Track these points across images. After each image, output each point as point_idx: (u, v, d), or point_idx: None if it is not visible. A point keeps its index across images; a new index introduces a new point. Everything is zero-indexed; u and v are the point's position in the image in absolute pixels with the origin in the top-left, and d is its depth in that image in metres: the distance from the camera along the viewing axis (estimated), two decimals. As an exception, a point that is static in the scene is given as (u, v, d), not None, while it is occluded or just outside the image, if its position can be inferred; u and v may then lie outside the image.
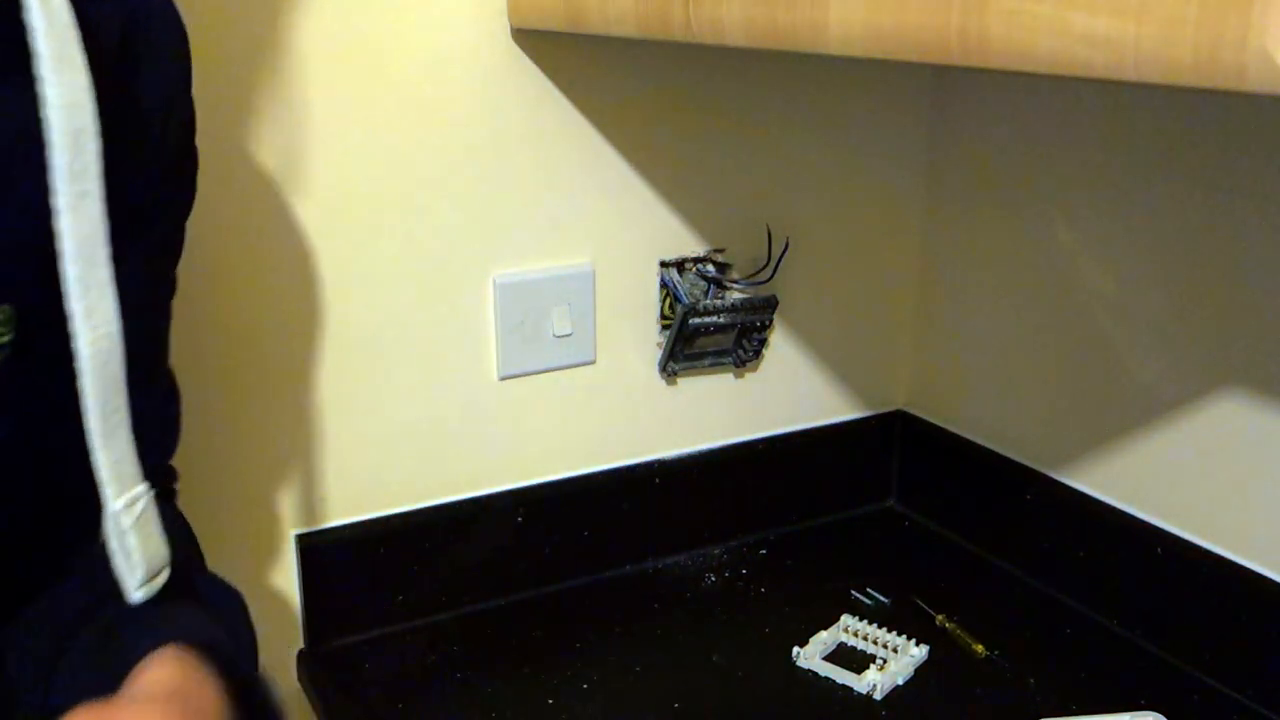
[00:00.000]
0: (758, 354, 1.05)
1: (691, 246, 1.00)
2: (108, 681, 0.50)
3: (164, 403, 0.64)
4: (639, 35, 0.68)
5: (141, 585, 0.54)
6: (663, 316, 1.00)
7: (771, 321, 1.03)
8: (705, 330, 0.99)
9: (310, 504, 0.90)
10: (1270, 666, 0.83)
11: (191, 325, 0.80)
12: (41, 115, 0.48)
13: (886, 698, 0.85)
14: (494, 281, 0.92)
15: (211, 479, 0.85)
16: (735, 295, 1.01)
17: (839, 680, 0.87)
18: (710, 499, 1.07)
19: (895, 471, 1.17)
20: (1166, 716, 0.81)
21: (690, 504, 1.06)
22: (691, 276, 1.01)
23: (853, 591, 1.00)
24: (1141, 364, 0.91)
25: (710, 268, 1.01)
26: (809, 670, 0.88)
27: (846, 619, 0.93)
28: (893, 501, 1.17)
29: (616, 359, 0.99)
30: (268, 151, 0.81)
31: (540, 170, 0.91)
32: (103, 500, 0.52)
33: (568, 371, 0.97)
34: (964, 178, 1.05)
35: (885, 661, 0.88)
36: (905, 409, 1.16)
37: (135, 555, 0.53)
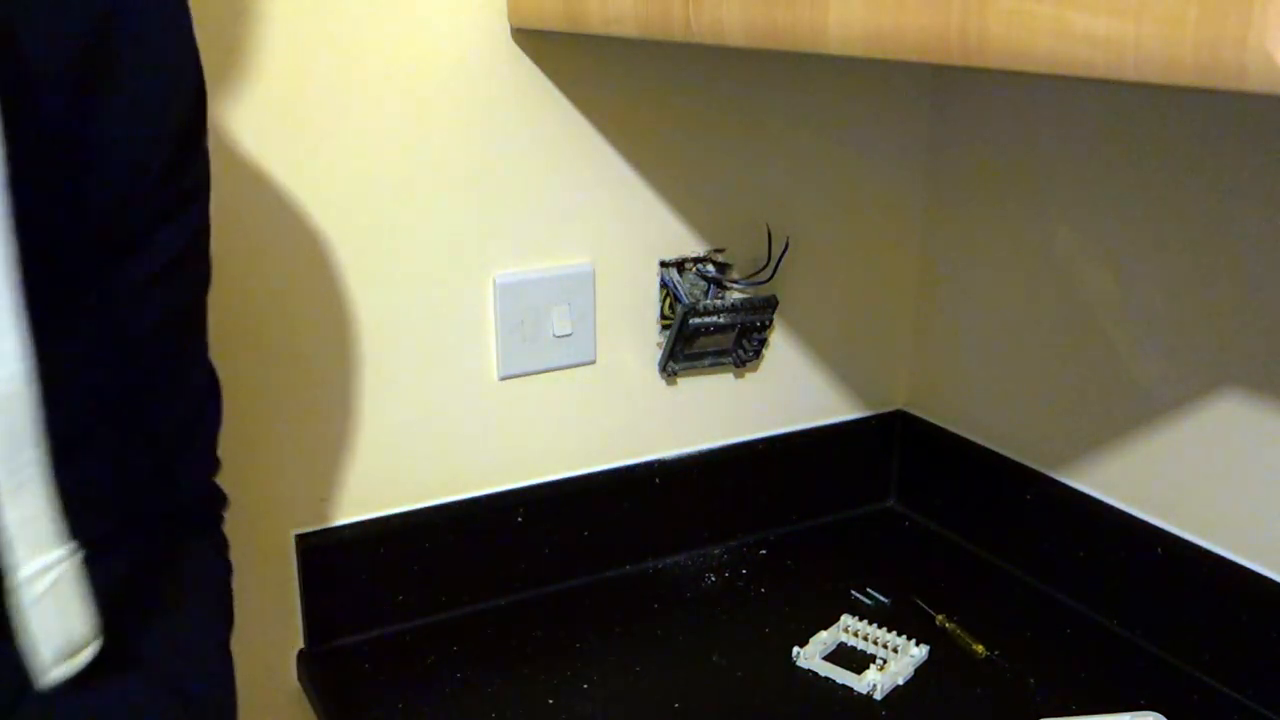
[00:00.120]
0: (758, 354, 1.05)
1: (691, 246, 1.00)
2: None
3: (196, 405, 0.58)
4: (639, 35, 0.68)
5: (53, 666, 0.48)
6: (663, 316, 1.00)
7: (771, 321, 1.03)
8: (705, 330, 0.99)
9: (310, 504, 0.90)
10: (1270, 666, 0.83)
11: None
12: None
13: (886, 698, 0.85)
14: (494, 281, 0.92)
15: (211, 479, 0.85)
16: (735, 295, 1.01)
17: (839, 680, 0.87)
18: (710, 499, 1.07)
19: (895, 471, 1.17)
20: (1166, 716, 0.81)
21: (690, 504, 1.06)
22: (691, 276, 1.01)
23: (853, 591, 1.00)
24: (1141, 364, 0.91)
25: (710, 268, 1.01)
26: (809, 670, 0.88)
27: (846, 619, 0.93)
28: (893, 501, 1.17)
29: (616, 359, 0.99)
30: (267, 152, 0.81)
31: (540, 170, 0.91)
32: (3, 567, 0.46)
33: (568, 371, 0.97)
34: (964, 178, 1.05)
35: (885, 661, 0.88)
36: (905, 409, 1.16)
37: (46, 629, 0.47)
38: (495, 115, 0.88)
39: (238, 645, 0.89)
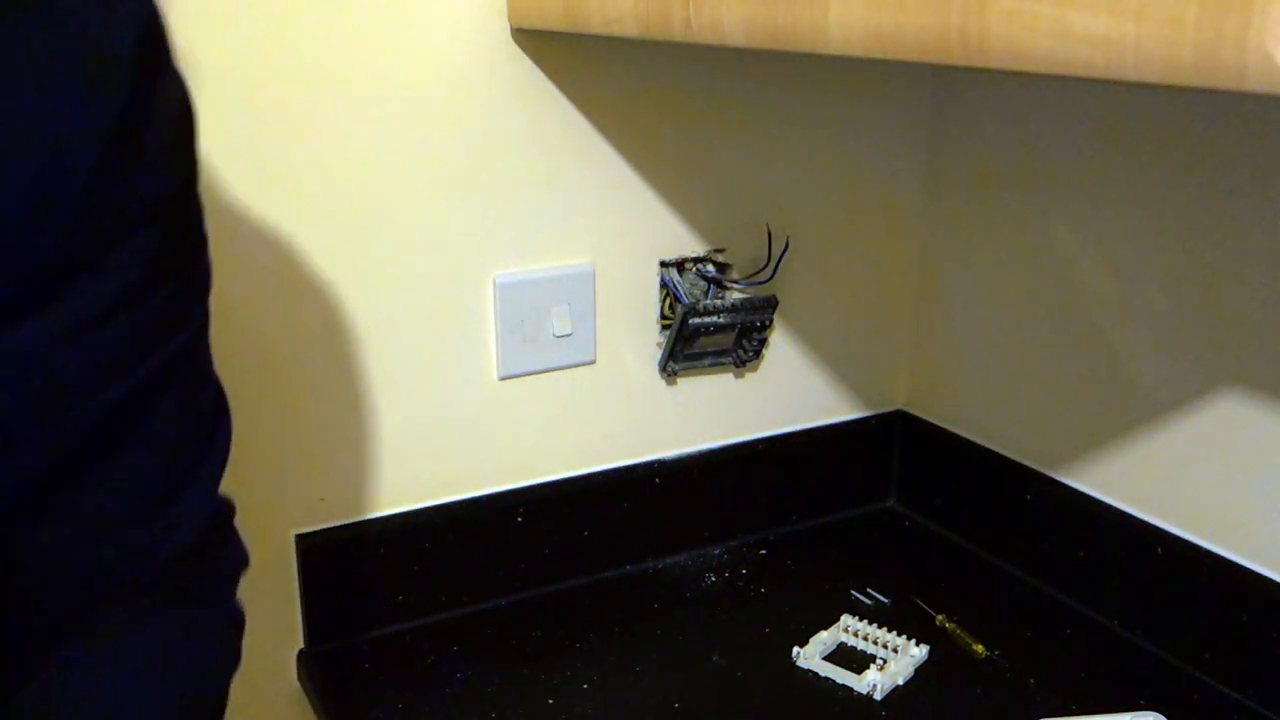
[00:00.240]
0: (758, 354, 1.05)
1: (691, 246, 1.00)
2: None
3: (196, 424, 0.52)
4: (639, 35, 0.68)
5: None
6: (663, 316, 1.00)
7: (771, 321, 1.03)
8: (705, 330, 0.99)
9: (310, 504, 0.90)
10: (1270, 666, 0.83)
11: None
12: None
13: (886, 698, 0.85)
14: (494, 281, 0.92)
15: (211, 479, 0.85)
16: (735, 295, 1.02)
17: (839, 680, 0.87)
18: (710, 499, 1.07)
19: (895, 471, 1.17)
20: (1166, 716, 0.81)
21: (690, 504, 1.06)
22: (691, 276, 1.01)
23: (853, 591, 1.00)
24: (1141, 364, 0.91)
25: (710, 268, 1.01)
26: (809, 670, 0.88)
27: (846, 619, 0.93)
28: (893, 501, 1.17)
29: (616, 359, 0.99)
30: (267, 151, 0.81)
31: (540, 170, 0.91)
32: None
33: (568, 371, 0.97)
34: (964, 178, 1.05)
35: (885, 661, 0.88)
36: (905, 409, 1.16)
37: None
38: (495, 115, 0.88)
39: (238, 645, 0.90)
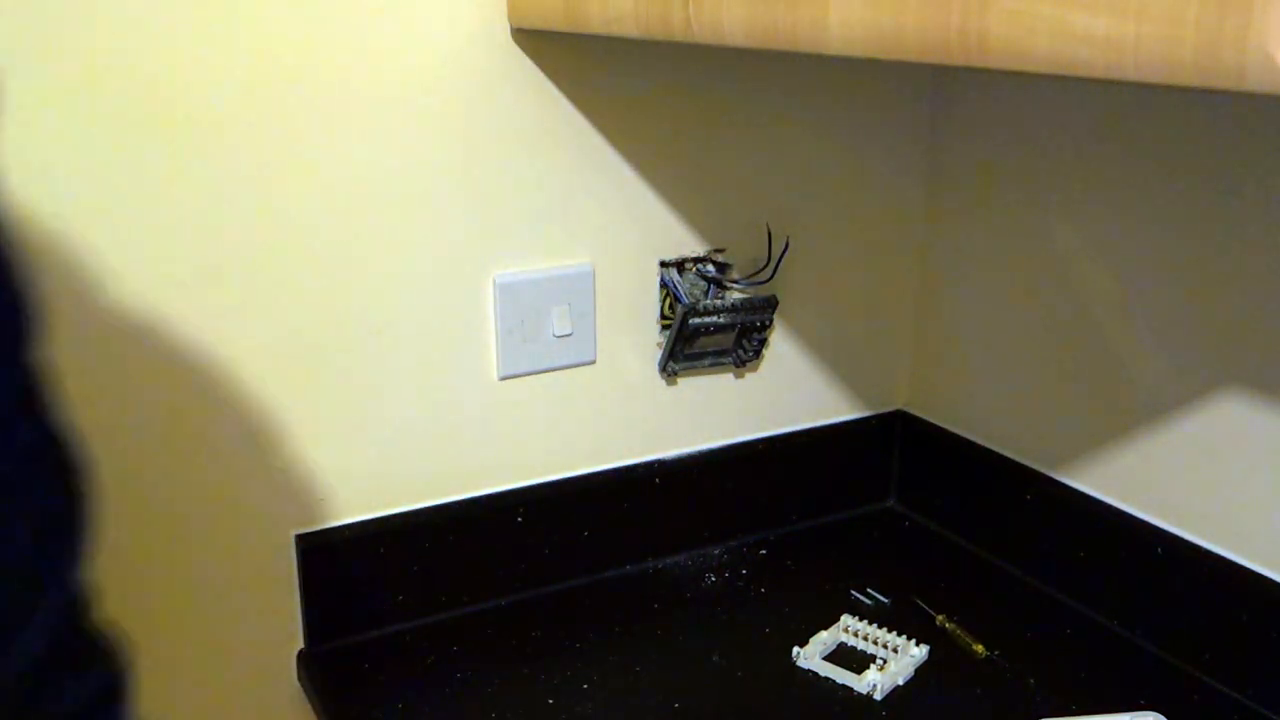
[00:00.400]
0: (758, 354, 1.05)
1: (691, 246, 1.00)
2: None
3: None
4: (639, 35, 0.68)
5: None
6: (663, 316, 1.00)
7: (771, 321, 1.03)
8: (705, 330, 0.99)
9: (310, 504, 0.90)
10: (1270, 666, 0.83)
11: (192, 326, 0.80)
12: None
13: (886, 698, 0.85)
14: (494, 281, 0.92)
15: (212, 479, 0.85)
16: (735, 295, 1.01)
17: (839, 680, 0.87)
18: (710, 499, 1.07)
19: (895, 471, 1.17)
20: (1166, 716, 0.81)
21: (690, 504, 1.06)
22: (691, 276, 1.01)
23: (853, 591, 1.00)
24: (1141, 364, 0.91)
25: (710, 268, 1.01)
26: (809, 670, 0.88)
27: (846, 619, 0.93)
28: (892, 501, 1.17)
29: (616, 359, 0.99)
30: (266, 151, 0.81)
31: (540, 170, 0.91)
32: None
33: (568, 371, 0.97)
34: (964, 178, 1.05)
35: (885, 661, 0.88)
36: (905, 409, 1.16)
37: None
38: (495, 115, 0.88)
39: (238, 645, 0.90)
